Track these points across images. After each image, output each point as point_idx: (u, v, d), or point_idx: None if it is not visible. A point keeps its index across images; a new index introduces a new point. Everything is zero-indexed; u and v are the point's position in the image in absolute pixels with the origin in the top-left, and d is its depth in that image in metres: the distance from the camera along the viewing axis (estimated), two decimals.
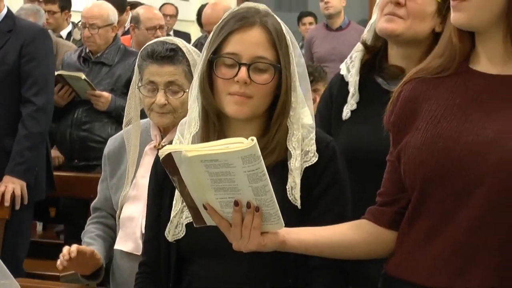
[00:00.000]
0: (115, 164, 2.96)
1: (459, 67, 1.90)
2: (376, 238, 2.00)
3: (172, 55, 2.79)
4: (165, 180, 1.92)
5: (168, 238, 2.19)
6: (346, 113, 2.55)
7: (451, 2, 1.84)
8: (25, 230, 4.21)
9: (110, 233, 2.96)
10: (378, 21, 2.47)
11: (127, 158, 2.90)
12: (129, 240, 2.83)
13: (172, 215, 2.19)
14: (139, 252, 2.77)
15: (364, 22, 10.67)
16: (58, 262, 2.67)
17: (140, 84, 2.85)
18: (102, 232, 2.95)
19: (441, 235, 1.83)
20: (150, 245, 2.30)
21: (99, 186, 3.02)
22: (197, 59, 2.81)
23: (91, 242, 2.89)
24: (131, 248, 2.82)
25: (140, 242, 2.77)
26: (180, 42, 2.86)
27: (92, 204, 3.04)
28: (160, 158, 1.86)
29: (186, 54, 2.82)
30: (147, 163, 2.85)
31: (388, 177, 2.00)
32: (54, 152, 5.14)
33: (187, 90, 2.79)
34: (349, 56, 2.62)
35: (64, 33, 6.80)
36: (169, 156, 1.83)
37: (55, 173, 4.39)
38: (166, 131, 2.87)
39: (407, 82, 1.96)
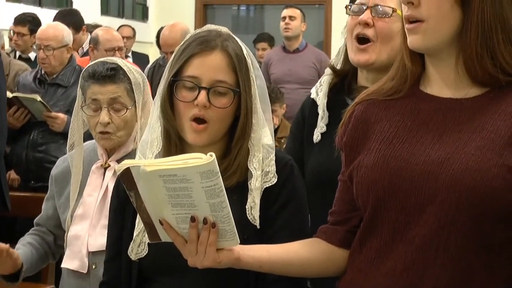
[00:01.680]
0: (62, 184, 2.98)
1: (410, 89, 1.91)
2: (328, 257, 2.00)
3: (113, 74, 2.84)
4: (127, 198, 1.93)
5: (131, 257, 2.18)
6: (316, 136, 2.57)
7: (407, 26, 1.85)
8: None
9: (44, 246, 2.99)
10: (350, 51, 2.48)
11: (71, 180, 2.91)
12: (75, 258, 2.84)
13: (135, 234, 2.18)
14: (84, 270, 2.81)
15: (320, 45, 10.74)
16: None
17: (84, 105, 2.88)
18: (34, 242, 2.98)
19: (392, 252, 1.84)
20: (111, 264, 2.28)
21: (43, 204, 3.06)
22: (139, 77, 2.87)
23: (19, 247, 2.91)
24: (77, 266, 2.83)
25: (86, 260, 2.81)
26: (121, 62, 2.90)
27: (35, 220, 3.07)
28: (118, 173, 1.85)
29: (127, 73, 2.85)
30: (94, 182, 2.88)
31: (340, 197, 2.02)
32: (13, 174, 5.12)
33: (130, 107, 2.84)
34: (319, 81, 2.64)
35: (32, 55, 6.79)
36: (127, 171, 1.83)
37: (12, 193, 4.36)
38: (112, 150, 2.91)
39: (359, 103, 1.98)
